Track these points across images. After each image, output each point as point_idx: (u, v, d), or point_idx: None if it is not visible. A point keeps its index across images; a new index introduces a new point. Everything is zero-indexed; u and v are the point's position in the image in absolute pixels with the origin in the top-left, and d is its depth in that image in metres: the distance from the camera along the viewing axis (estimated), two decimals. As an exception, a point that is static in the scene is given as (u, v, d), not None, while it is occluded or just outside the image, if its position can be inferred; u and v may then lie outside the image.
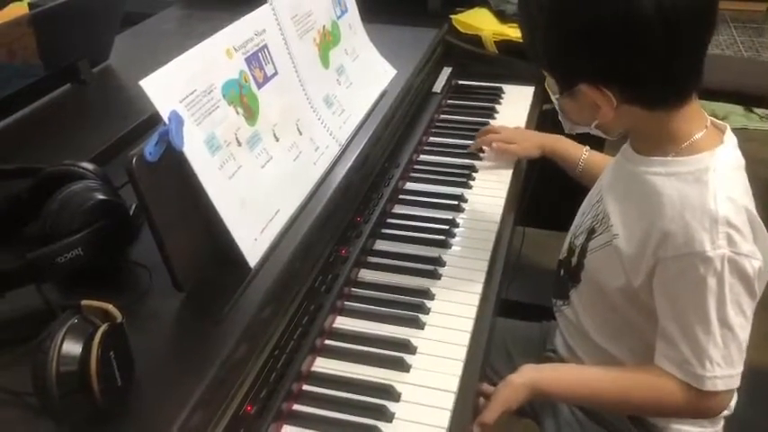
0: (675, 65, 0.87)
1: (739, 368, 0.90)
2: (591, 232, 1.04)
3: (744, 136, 3.11)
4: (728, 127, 0.96)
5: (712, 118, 0.96)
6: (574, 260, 1.08)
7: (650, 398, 0.94)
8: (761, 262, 0.88)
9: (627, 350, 1.03)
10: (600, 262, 1.02)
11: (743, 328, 0.89)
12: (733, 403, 1.00)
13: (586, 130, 0.99)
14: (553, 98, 0.99)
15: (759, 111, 3.33)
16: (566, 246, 1.13)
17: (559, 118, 1.02)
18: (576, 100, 0.92)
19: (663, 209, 0.91)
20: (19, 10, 1.32)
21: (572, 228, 1.13)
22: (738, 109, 3.31)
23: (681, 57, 0.86)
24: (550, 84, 0.97)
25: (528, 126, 1.52)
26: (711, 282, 0.86)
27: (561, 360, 1.15)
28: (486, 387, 0.98)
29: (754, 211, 0.91)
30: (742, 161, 0.94)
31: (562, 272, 1.12)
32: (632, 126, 0.96)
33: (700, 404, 0.91)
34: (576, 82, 0.90)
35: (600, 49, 0.86)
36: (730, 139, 0.94)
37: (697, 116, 0.94)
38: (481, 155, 1.40)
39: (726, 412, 1.01)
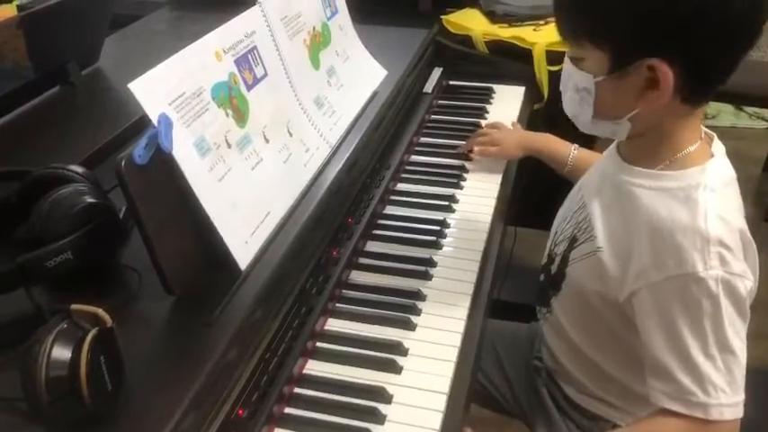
0: (734, 61, 0.84)
1: (743, 395, 0.85)
2: (573, 241, 1.02)
3: (733, 134, 3.15)
4: (715, 136, 0.94)
5: (702, 127, 0.94)
6: (554, 268, 1.06)
7: None
8: (752, 282, 0.86)
9: (612, 361, 1.01)
10: (582, 272, 0.99)
11: (742, 351, 0.85)
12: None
13: (605, 130, 0.93)
14: (585, 80, 0.89)
15: (749, 109, 3.35)
16: (546, 251, 1.10)
17: (573, 115, 0.95)
18: (624, 81, 0.85)
19: (649, 224, 0.88)
20: (7, 12, 1.31)
21: (551, 233, 1.10)
22: (728, 107, 3.33)
23: (741, 53, 0.84)
24: (593, 63, 0.88)
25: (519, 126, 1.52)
26: (706, 304, 0.83)
27: (548, 369, 1.14)
28: None
29: (746, 229, 0.88)
30: (732, 174, 0.92)
31: (542, 277, 1.10)
32: (650, 125, 0.90)
33: None
34: (646, 54, 0.82)
35: (688, 20, 0.80)
36: (719, 150, 0.92)
37: (697, 127, 0.92)
38: (471, 155, 1.40)
39: None
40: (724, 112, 3.31)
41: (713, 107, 3.27)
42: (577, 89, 0.91)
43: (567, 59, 0.94)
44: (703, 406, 0.83)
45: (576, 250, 1.00)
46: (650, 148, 0.92)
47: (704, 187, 0.86)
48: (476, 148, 1.39)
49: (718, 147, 0.92)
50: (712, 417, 0.83)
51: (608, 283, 0.93)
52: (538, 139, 1.36)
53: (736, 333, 0.84)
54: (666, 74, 0.82)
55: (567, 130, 1.15)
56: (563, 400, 1.12)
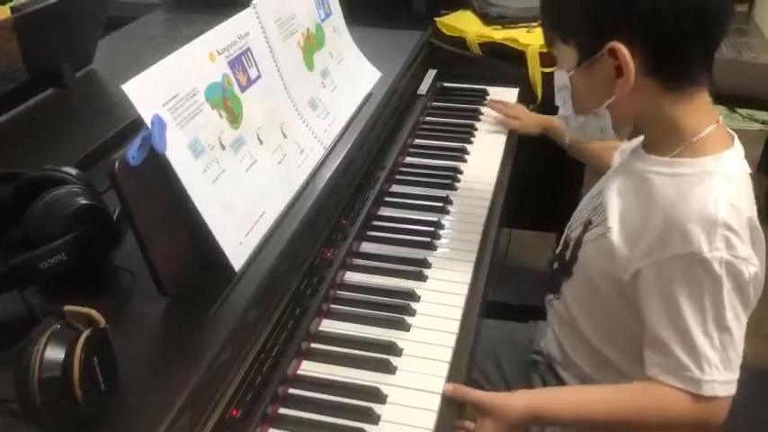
0: (705, 36, 0.88)
1: (737, 374, 0.88)
2: (587, 224, 1.04)
3: (727, 136, 3.16)
4: (736, 137, 0.95)
5: (727, 127, 0.95)
6: (568, 254, 1.08)
7: (654, 414, 0.91)
8: (757, 268, 0.87)
9: (612, 346, 1.02)
10: (593, 254, 1.01)
11: (740, 334, 0.87)
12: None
13: (593, 128, 0.98)
14: (564, 78, 0.97)
15: (742, 111, 3.36)
16: (562, 239, 1.13)
17: (563, 113, 1.03)
18: (593, 71, 0.91)
19: (662, 208, 0.90)
20: (1, 14, 1.31)
21: (569, 222, 1.13)
22: (721, 110, 3.32)
23: (712, 27, 0.87)
24: (564, 59, 0.95)
25: (512, 129, 1.53)
26: (708, 284, 0.85)
27: (547, 362, 1.15)
28: (467, 424, 0.95)
29: (756, 221, 0.89)
30: (747, 170, 0.93)
31: (556, 265, 1.12)
32: (642, 112, 0.94)
33: (700, 412, 0.87)
34: (605, 41, 0.87)
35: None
36: (738, 148, 0.93)
37: (706, 109, 0.93)
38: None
39: None
40: (717, 114, 3.32)
41: (707, 109, 3.28)
42: (559, 89, 0.99)
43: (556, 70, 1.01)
44: (697, 381, 0.86)
45: (589, 233, 1.03)
46: (661, 137, 0.95)
47: (717, 174, 0.88)
48: (498, 116, 1.54)
49: (738, 146, 0.94)
50: (704, 392, 0.86)
51: (615, 263, 0.95)
52: (549, 118, 1.48)
53: (736, 315, 0.86)
54: (625, 55, 0.86)
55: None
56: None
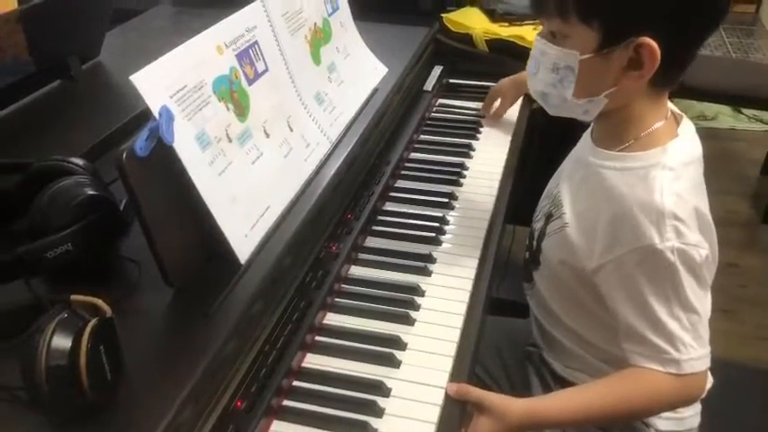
0: (701, 44, 0.89)
1: (709, 347, 0.93)
2: (549, 217, 1.07)
3: (732, 136, 3.16)
4: (685, 116, 0.98)
5: (672, 107, 0.98)
6: (534, 244, 1.11)
7: (643, 399, 0.95)
8: (707, 250, 0.92)
9: (588, 328, 1.05)
10: (554, 246, 1.05)
11: (704, 310, 0.92)
12: (708, 385, 1.02)
13: (575, 111, 0.96)
14: (569, 60, 0.90)
15: (747, 111, 3.36)
16: (530, 230, 1.16)
17: (543, 94, 0.97)
18: (608, 59, 0.88)
19: (612, 203, 0.93)
20: (8, 5, 1.31)
21: (535, 213, 1.15)
22: (727, 110, 3.33)
23: (709, 31, 0.89)
24: (579, 40, 0.89)
25: (518, 125, 1.53)
26: (666, 272, 0.89)
27: (539, 352, 1.17)
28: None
29: (703, 209, 0.93)
30: (695, 153, 0.96)
31: (527, 254, 1.15)
32: (622, 105, 0.94)
33: (685, 389, 0.93)
34: (633, 32, 0.85)
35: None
36: (686, 131, 0.96)
37: (663, 106, 0.97)
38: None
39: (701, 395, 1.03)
40: (723, 114, 3.31)
41: (712, 109, 3.26)
42: (556, 68, 0.93)
43: (539, 38, 0.95)
44: (676, 362, 0.91)
45: (550, 225, 1.06)
46: (618, 129, 0.97)
47: (662, 166, 0.92)
48: (489, 114, 1.52)
49: (686, 127, 0.97)
50: (685, 371, 0.91)
51: (575, 258, 0.99)
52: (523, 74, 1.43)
53: (696, 295, 0.91)
54: (655, 53, 0.86)
55: (566, 127, 1.16)
56: (551, 377, 1.14)
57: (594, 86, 0.92)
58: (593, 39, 0.88)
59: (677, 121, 0.98)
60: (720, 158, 2.92)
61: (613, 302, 0.95)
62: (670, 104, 1.00)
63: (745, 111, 3.36)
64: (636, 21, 0.85)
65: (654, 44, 0.85)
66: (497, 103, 1.53)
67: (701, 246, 0.91)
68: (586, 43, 0.88)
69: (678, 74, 0.92)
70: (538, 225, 1.11)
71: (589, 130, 1.06)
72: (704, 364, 0.93)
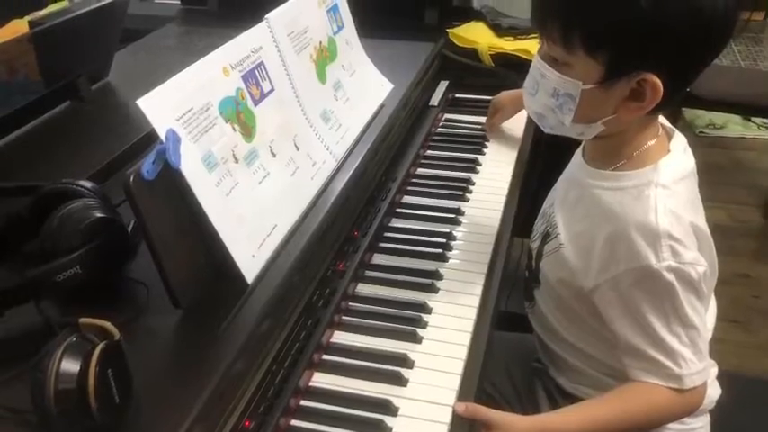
0: (705, 67, 0.89)
1: (708, 360, 0.95)
2: (545, 237, 1.08)
3: (742, 145, 3.15)
4: (676, 131, 0.98)
5: (664, 121, 0.99)
6: (533, 263, 1.12)
7: (646, 413, 0.96)
8: (705, 267, 0.92)
9: (588, 343, 1.05)
10: (551, 266, 1.06)
11: (702, 323, 0.93)
12: (716, 395, 1.04)
13: (572, 132, 0.96)
14: (571, 89, 0.90)
15: (757, 120, 3.34)
16: (528, 249, 1.16)
17: (539, 115, 0.98)
18: (610, 90, 0.88)
19: (607, 223, 0.94)
20: (19, 27, 1.33)
21: (532, 232, 1.16)
22: (736, 118, 3.32)
23: (713, 59, 0.89)
24: (582, 71, 0.88)
25: (524, 140, 1.53)
26: (663, 291, 0.90)
27: (544, 366, 1.17)
28: None
29: (699, 223, 0.94)
30: (688, 167, 0.97)
31: (527, 273, 1.16)
32: (617, 129, 0.94)
33: (686, 402, 0.95)
34: (634, 69, 0.85)
35: (691, 39, 0.84)
36: (677, 145, 0.97)
37: (655, 125, 0.97)
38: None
39: (709, 405, 1.06)
40: (732, 123, 3.30)
41: (721, 118, 3.25)
42: (556, 93, 0.93)
43: (539, 59, 0.95)
44: (678, 377, 0.92)
45: (547, 245, 1.07)
46: (610, 149, 0.97)
47: (656, 184, 0.92)
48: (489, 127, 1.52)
49: (677, 142, 0.98)
50: (686, 386, 0.92)
51: (573, 277, 1.00)
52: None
53: (695, 311, 0.92)
54: (657, 88, 0.86)
55: (572, 141, 1.16)
56: (558, 393, 1.14)
57: (593, 114, 0.93)
58: (597, 71, 0.88)
59: (669, 135, 0.98)
60: (730, 167, 2.92)
61: (612, 320, 0.96)
62: (661, 119, 1.00)
63: (754, 119, 3.35)
64: (642, 56, 0.85)
65: (657, 80, 0.85)
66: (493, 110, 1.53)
67: (698, 263, 0.91)
68: (589, 74, 0.88)
69: (676, 102, 0.93)
70: (535, 245, 1.11)
71: (580, 148, 1.06)
72: (704, 377, 0.94)
